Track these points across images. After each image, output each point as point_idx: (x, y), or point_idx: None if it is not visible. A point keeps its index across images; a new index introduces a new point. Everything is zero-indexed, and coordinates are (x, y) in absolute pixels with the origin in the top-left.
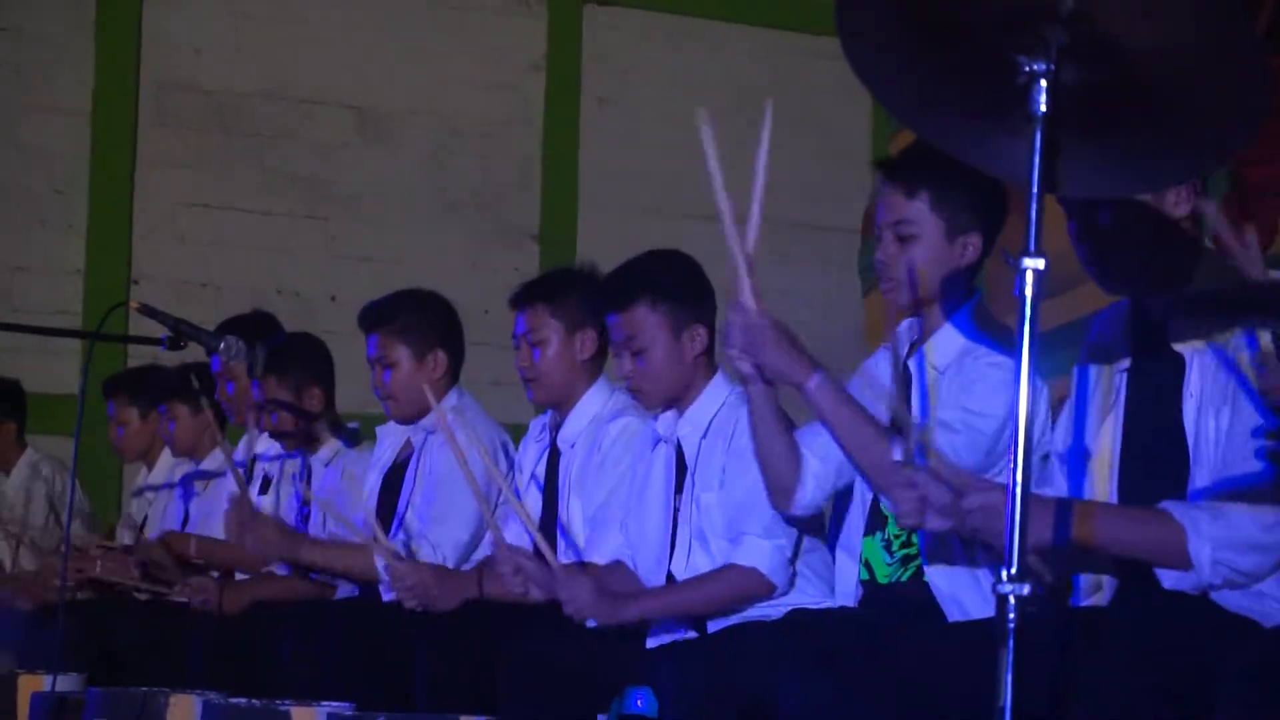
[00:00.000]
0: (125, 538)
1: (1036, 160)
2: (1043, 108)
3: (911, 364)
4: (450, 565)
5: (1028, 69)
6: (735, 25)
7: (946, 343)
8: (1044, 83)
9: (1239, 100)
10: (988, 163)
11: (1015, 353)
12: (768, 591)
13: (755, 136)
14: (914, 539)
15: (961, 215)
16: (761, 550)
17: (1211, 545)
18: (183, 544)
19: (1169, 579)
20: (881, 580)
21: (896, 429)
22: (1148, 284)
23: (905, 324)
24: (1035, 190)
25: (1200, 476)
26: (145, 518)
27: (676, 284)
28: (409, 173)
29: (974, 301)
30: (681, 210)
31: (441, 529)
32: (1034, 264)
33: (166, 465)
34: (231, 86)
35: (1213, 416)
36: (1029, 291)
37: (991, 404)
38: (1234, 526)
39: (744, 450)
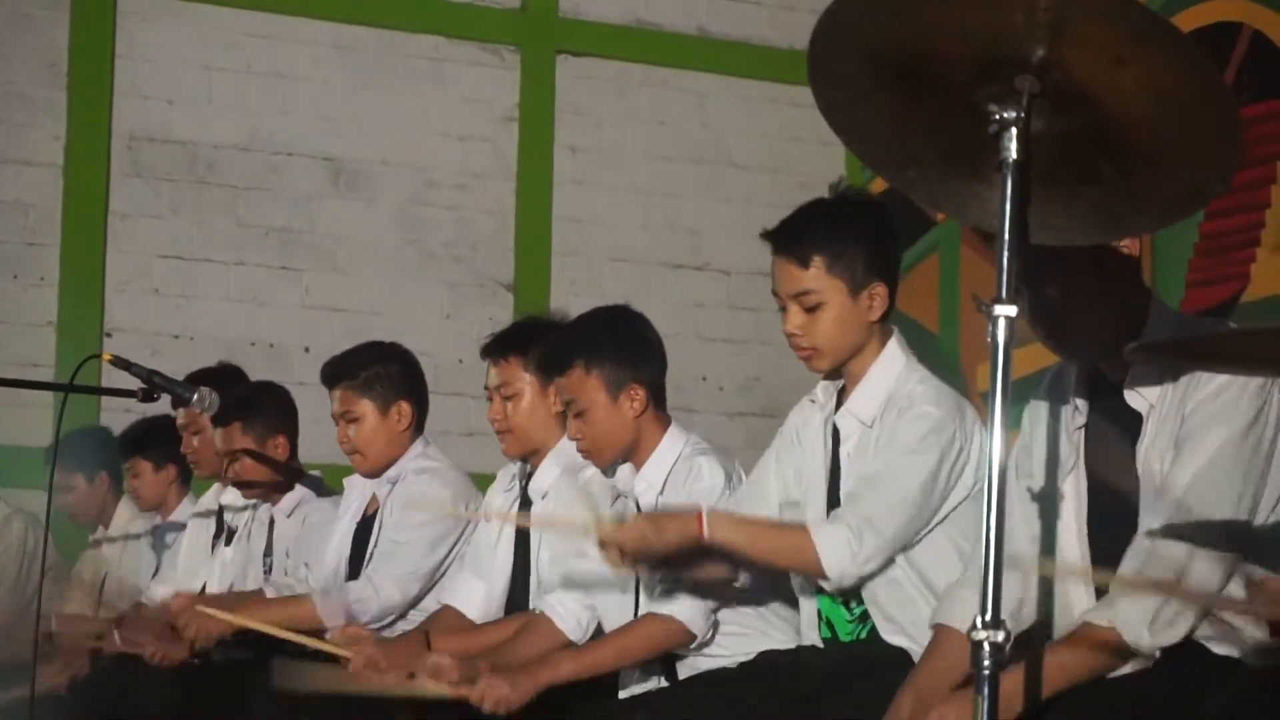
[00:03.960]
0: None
1: (1008, 207)
2: (1014, 155)
3: (838, 422)
4: (388, 603)
5: (999, 117)
6: (708, 74)
7: (871, 394)
8: (1015, 130)
9: (1212, 149)
10: (962, 211)
11: (989, 399)
12: (688, 640)
13: (726, 183)
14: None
15: (859, 270)
16: (679, 599)
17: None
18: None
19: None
20: (844, 638)
21: None
22: (1103, 348)
23: (822, 386)
24: (1007, 238)
25: (1147, 520)
26: (105, 573)
27: (613, 344)
28: (383, 224)
29: (893, 344)
30: (655, 258)
31: (387, 565)
32: (1005, 311)
33: (125, 519)
34: (205, 138)
35: (1157, 462)
36: (1001, 338)
37: (917, 452)
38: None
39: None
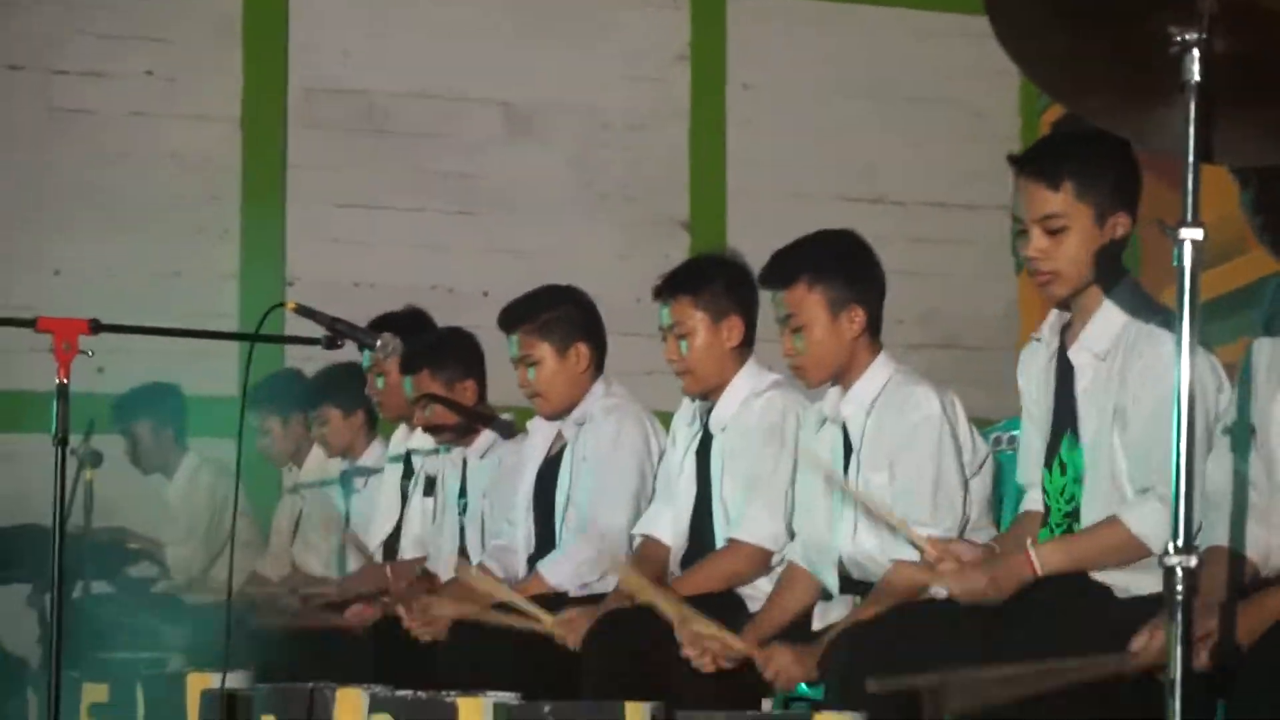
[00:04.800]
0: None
1: (1191, 130)
2: (1196, 77)
3: (1072, 357)
4: (612, 539)
5: (1180, 39)
6: (879, 7)
7: (1106, 326)
8: (1196, 52)
9: None
10: (1142, 135)
11: (1176, 324)
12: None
13: (899, 117)
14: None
15: (1107, 197)
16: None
17: None
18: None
19: None
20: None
21: None
22: None
23: (1053, 316)
24: (1191, 160)
25: None
26: (300, 515)
27: (837, 264)
28: (557, 167)
29: (1128, 280)
30: (829, 193)
31: (604, 508)
32: (1192, 234)
33: (318, 462)
34: (379, 87)
35: None
36: (1188, 262)
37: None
38: None
39: (911, 432)
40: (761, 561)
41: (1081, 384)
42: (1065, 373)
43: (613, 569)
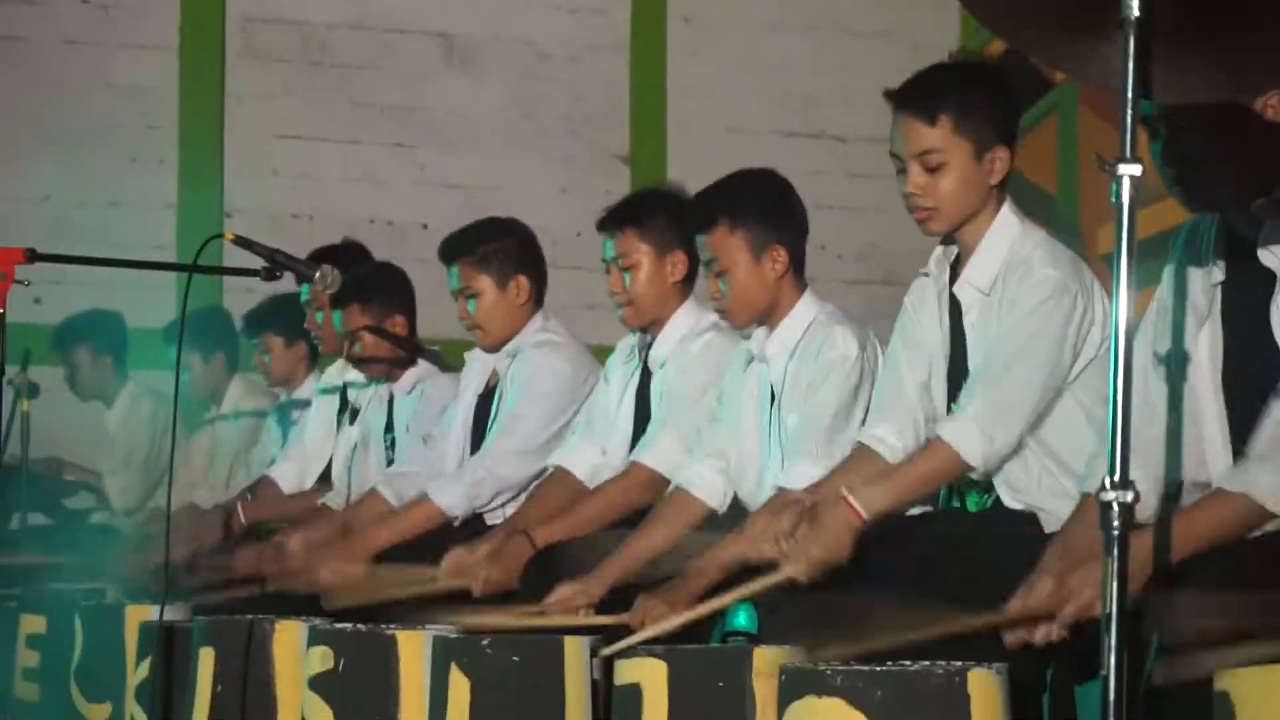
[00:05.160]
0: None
1: (1130, 66)
2: (1136, 12)
3: (957, 293)
4: (506, 480)
5: None
6: None
7: (990, 260)
8: None
9: None
10: (1082, 70)
11: (1114, 259)
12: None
13: (841, 50)
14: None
15: (985, 132)
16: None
17: None
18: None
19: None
20: (971, 509)
21: None
22: (1237, 200)
23: (935, 257)
24: (1130, 96)
25: None
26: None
27: (758, 205)
28: (497, 99)
29: (1008, 211)
30: (770, 127)
31: (504, 440)
32: (1130, 170)
33: (236, 396)
34: (317, 17)
35: None
36: (1125, 198)
37: (1041, 318)
38: None
39: (824, 371)
40: (657, 487)
41: (969, 319)
42: (955, 308)
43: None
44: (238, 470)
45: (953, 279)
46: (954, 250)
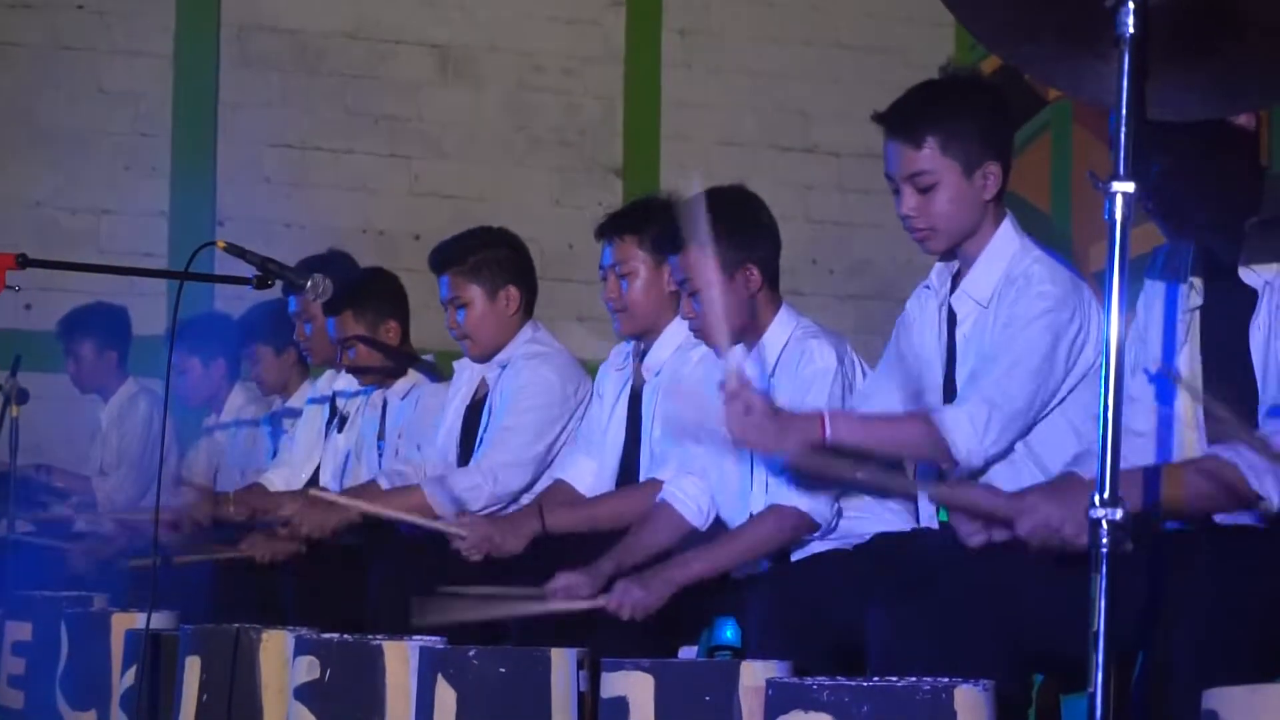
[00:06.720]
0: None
1: (1125, 84)
2: (1131, 30)
3: (954, 304)
4: (500, 490)
5: None
6: None
7: (988, 273)
8: (1132, 4)
9: None
10: (1076, 88)
11: (1106, 277)
12: (813, 529)
13: (835, 65)
14: None
15: (974, 149)
16: (802, 490)
17: (1272, 476)
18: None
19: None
20: None
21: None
22: (1215, 227)
23: (936, 270)
24: (1125, 114)
25: (1267, 401)
26: (219, 462)
27: (727, 225)
28: (491, 110)
29: (1008, 225)
30: (764, 141)
31: (497, 452)
32: (1123, 188)
33: (237, 404)
34: (312, 26)
35: (1273, 338)
36: (1118, 216)
37: (1037, 329)
38: None
39: (804, 386)
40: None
41: (962, 330)
42: (951, 319)
43: None
44: (249, 480)
45: (953, 291)
46: (956, 264)
